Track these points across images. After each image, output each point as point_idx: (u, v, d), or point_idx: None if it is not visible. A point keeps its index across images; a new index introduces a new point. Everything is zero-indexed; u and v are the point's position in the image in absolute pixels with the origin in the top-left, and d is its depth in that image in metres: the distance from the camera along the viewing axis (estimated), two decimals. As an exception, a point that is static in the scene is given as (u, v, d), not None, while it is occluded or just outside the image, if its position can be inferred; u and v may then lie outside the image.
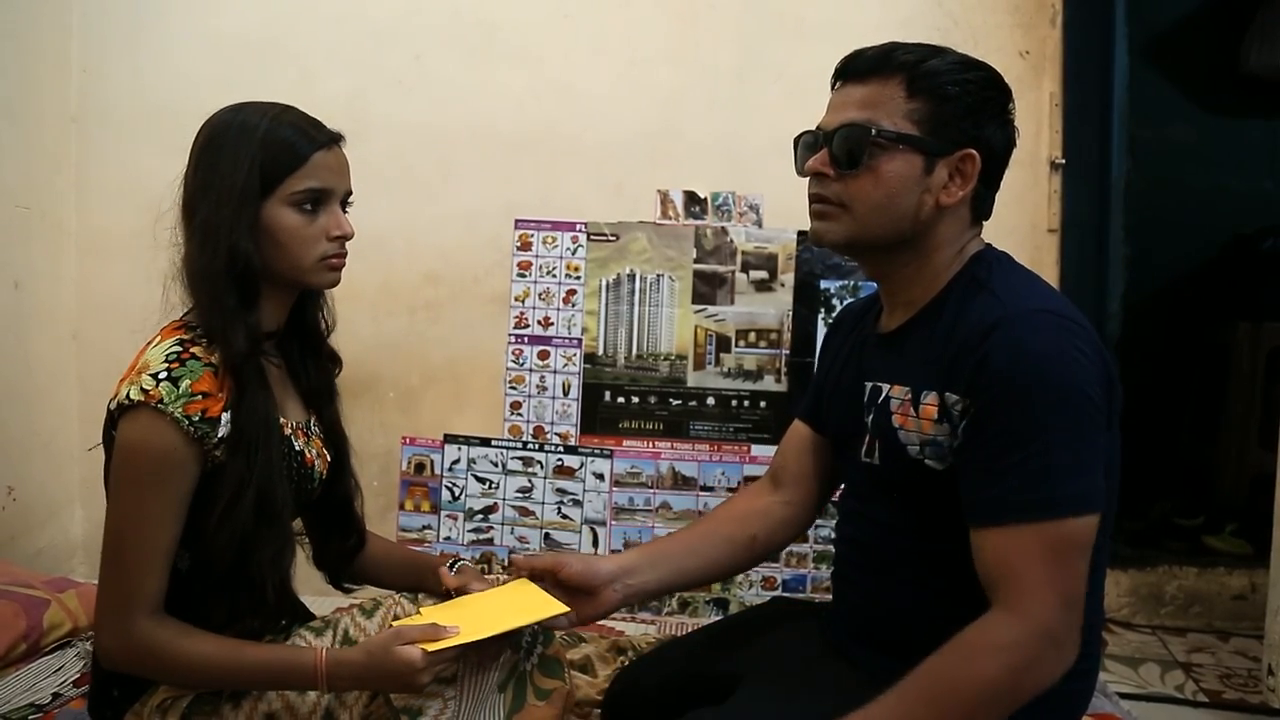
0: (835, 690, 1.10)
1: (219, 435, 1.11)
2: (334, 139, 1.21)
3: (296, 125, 1.18)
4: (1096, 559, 1.04)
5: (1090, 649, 1.11)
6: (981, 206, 1.14)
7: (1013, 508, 0.98)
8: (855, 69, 1.12)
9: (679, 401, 2.36)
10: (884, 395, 1.14)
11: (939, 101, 1.07)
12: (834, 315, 1.42)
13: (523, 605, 1.21)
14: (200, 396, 1.09)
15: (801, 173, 1.16)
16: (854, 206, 1.10)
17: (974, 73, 1.10)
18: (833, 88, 1.16)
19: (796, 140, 1.18)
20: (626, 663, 1.74)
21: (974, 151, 1.08)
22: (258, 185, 1.14)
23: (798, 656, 1.23)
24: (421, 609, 1.26)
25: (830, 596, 1.32)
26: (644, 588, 1.27)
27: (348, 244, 1.22)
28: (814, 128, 1.14)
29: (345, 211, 1.23)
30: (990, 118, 1.10)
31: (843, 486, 1.33)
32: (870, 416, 1.16)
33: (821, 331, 2.32)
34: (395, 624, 1.20)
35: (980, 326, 1.03)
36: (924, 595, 1.12)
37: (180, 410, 1.08)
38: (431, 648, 1.11)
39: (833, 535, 1.34)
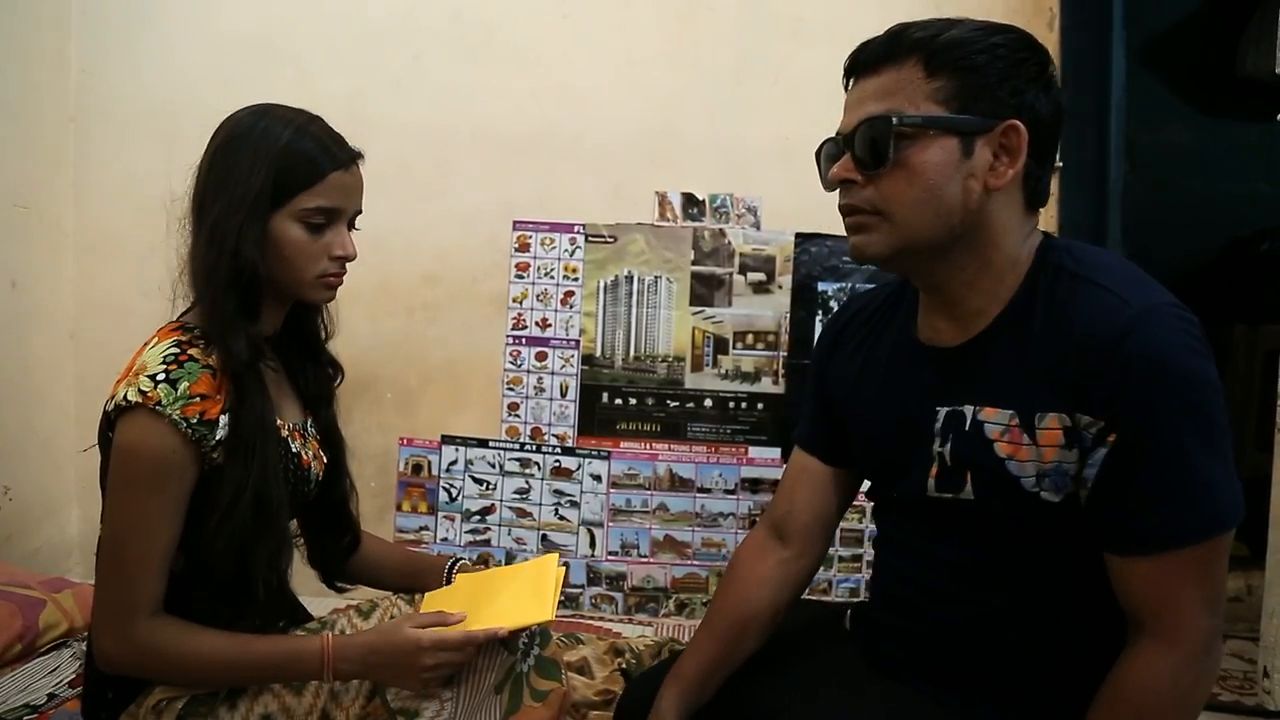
0: (904, 711, 1.06)
1: (216, 438, 1.11)
2: (353, 158, 1.21)
3: (319, 140, 1.17)
4: None
5: None
6: (1036, 188, 1.01)
7: (1174, 535, 0.91)
8: (865, 60, 1.00)
9: (676, 403, 2.36)
10: (971, 420, 1.00)
11: (966, 74, 0.95)
12: (830, 321, 1.27)
13: (532, 596, 1.22)
14: (198, 399, 1.09)
15: (828, 186, 1.04)
16: (891, 210, 0.97)
17: (1001, 35, 0.97)
18: (845, 88, 1.04)
19: (818, 153, 1.06)
20: (624, 665, 1.73)
21: (1017, 122, 0.95)
22: (270, 195, 1.14)
23: (840, 673, 1.14)
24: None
25: (835, 595, 1.27)
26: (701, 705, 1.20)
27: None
28: (834, 135, 1.03)
29: (352, 229, 1.23)
30: (1029, 81, 0.96)
31: (873, 508, 1.21)
32: (948, 445, 1.02)
33: (819, 333, 2.32)
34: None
35: (1109, 332, 0.91)
36: (1009, 636, 1.03)
37: (178, 412, 1.08)
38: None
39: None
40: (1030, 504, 0.97)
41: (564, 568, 1.28)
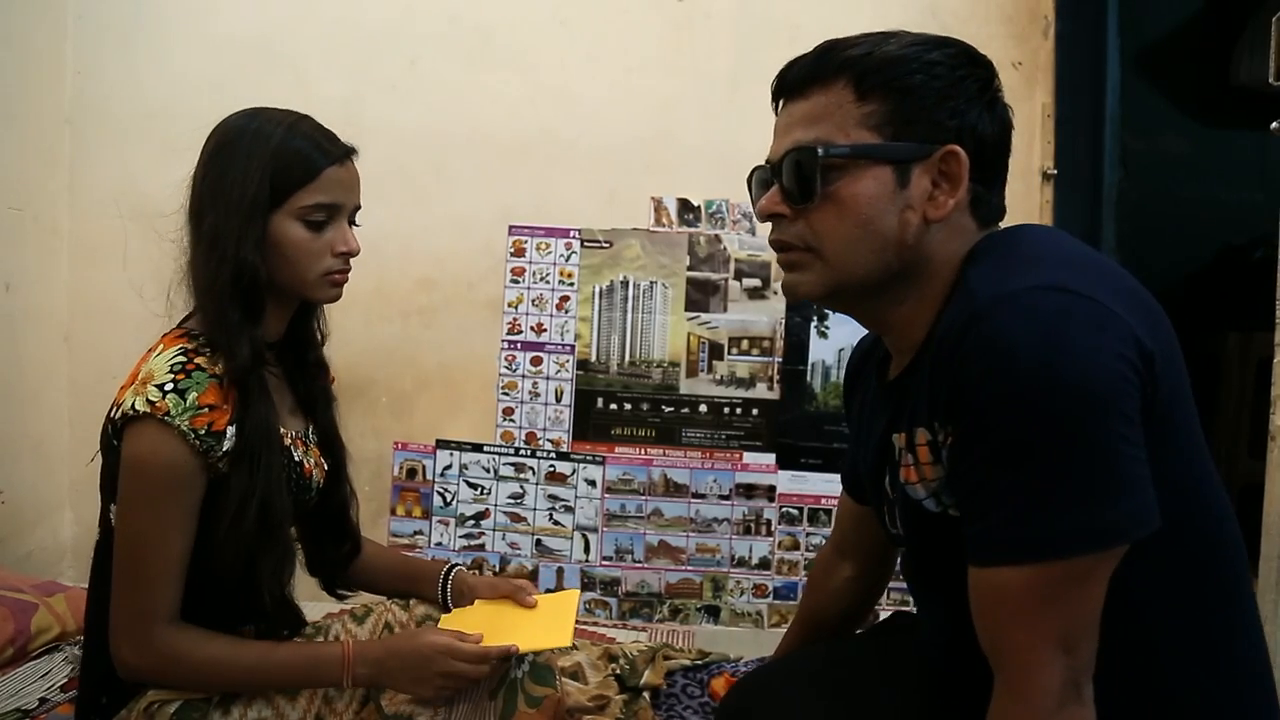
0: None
1: (224, 449, 1.10)
2: (347, 153, 1.20)
3: (311, 137, 1.17)
4: (1237, 569, 0.90)
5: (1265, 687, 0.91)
6: (986, 210, 0.92)
7: (998, 548, 0.79)
8: (791, 82, 0.93)
9: (671, 408, 2.36)
10: (896, 449, 0.94)
11: (900, 95, 0.87)
12: (848, 362, 1.23)
13: (550, 623, 1.26)
14: (206, 409, 1.09)
15: (759, 217, 0.96)
16: (822, 247, 0.90)
17: (938, 51, 0.89)
18: (775, 112, 0.96)
19: (750, 179, 0.99)
20: (618, 671, 1.73)
21: (956, 148, 0.87)
22: (267, 196, 1.13)
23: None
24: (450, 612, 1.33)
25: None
26: None
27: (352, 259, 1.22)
28: (764, 161, 0.95)
29: (353, 226, 1.22)
30: (970, 100, 0.89)
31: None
32: (886, 478, 0.98)
33: (815, 339, 2.33)
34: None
35: (954, 331, 0.81)
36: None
37: (187, 423, 1.07)
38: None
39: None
40: (941, 525, 0.88)
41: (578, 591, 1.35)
